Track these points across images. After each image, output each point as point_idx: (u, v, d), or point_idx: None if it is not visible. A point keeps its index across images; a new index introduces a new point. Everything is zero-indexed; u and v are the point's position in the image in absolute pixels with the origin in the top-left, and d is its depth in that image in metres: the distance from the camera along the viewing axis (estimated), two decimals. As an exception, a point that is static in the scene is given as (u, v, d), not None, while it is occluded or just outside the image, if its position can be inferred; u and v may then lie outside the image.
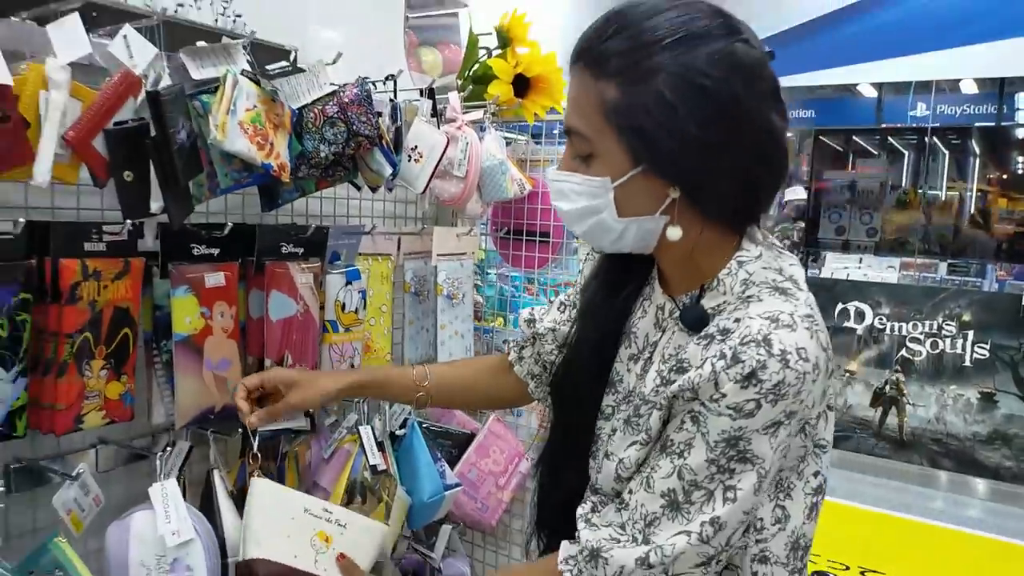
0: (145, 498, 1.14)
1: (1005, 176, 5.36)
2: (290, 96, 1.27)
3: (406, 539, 1.70)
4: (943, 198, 5.59)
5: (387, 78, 1.49)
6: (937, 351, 4.14)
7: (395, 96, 1.50)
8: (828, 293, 4.40)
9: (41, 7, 1.08)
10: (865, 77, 5.28)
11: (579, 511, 0.97)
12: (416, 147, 1.53)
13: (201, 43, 1.18)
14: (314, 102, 1.30)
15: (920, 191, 5.55)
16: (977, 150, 5.43)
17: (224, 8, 1.35)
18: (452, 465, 1.72)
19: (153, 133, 1.08)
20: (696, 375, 0.85)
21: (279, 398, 1.21)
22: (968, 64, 4.76)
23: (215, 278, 1.25)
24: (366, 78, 1.37)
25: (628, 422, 0.97)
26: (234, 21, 1.36)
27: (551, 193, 0.97)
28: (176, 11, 1.25)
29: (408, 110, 1.53)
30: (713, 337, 0.88)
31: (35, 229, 1.06)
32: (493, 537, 1.98)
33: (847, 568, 3.00)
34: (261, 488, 1.17)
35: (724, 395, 0.83)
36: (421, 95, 1.63)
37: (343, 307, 1.46)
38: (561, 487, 1.06)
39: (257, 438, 1.20)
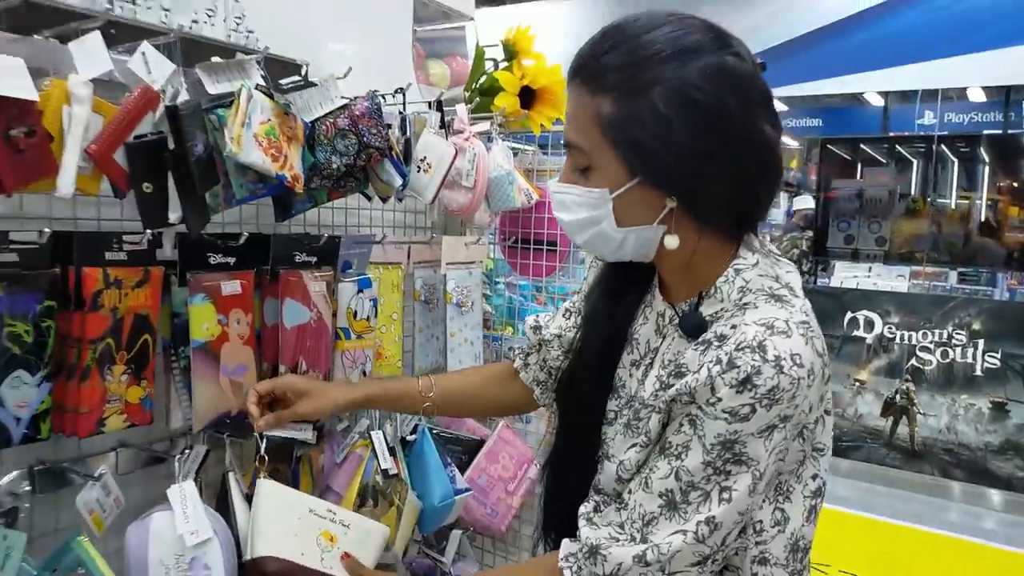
0: (164, 499, 1.16)
1: (1016, 184, 5.34)
2: (303, 109, 1.29)
3: (417, 543, 1.71)
4: (952, 206, 5.57)
5: (396, 91, 1.51)
6: (947, 360, 4.07)
7: (404, 108, 1.52)
8: (837, 302, 4.37)
9: (63, 26, 1.10)
10: (872, 86, 5.27)
11: (581, 509, 1.00)
12: (425, 158, 1.54)
13: (216, 59, 1.21)
14: (326, 115, 1.31)
15: (929, 199, 5.52)
16: (986, 158, 5.40)
17: (237, 24, 1.37)
18: (462, 471, 1.73)
19: (171, 146, 1.11)
20: (693, 380, 0.87)
21: (290, 404, 1.23)
22: (975, 72, 4.73)
23: (231, 286, 1.27)
24: (376, 91, 1.39)
25: (629, 425, 0.99)
26: (247, 37, 1.38)
27: (553, 204, 0.99)
28: (191, 27, 1.28)
29: (417, 122, 1.54)
30: (710, 343, 0.90)
31: (59, 239, 1.07)
32: (503, 543, 1.99)
33: (857, 577, 2.99)
34: (267, 489, 1.18)
35: (720, 399, 0.85)
36: (429, 107, 1.64)
37: (355, 314, 1.47)
38: (567, 491, 1.07)
39: (265, 441, 1.22)
